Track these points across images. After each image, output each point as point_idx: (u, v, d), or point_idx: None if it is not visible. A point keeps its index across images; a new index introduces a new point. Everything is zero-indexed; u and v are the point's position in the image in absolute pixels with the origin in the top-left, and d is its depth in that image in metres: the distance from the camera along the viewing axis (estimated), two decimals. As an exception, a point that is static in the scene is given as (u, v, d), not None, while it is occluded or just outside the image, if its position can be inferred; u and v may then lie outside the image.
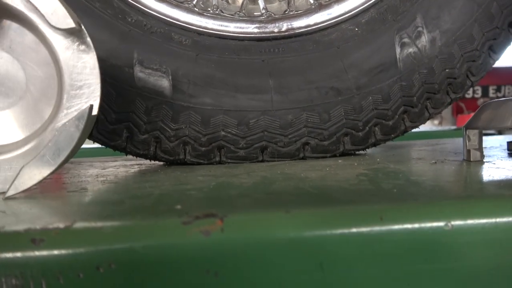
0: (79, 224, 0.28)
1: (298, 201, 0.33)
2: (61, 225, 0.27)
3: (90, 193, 0.43)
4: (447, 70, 0.69)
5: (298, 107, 0.65)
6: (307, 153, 0.69)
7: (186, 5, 0.70)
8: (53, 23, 0.43)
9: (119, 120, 0.64)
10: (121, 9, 0.65)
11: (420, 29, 0.68)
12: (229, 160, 0.68)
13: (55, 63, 0.45)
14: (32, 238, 0.26)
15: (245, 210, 0.30)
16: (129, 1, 0.65)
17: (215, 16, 0.69)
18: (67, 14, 0.43)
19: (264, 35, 0.68)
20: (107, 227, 0.28)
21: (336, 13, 0.69)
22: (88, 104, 0.44)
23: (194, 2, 0.72)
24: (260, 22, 0.70)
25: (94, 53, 0.45)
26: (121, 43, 0.63)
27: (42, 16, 0.43)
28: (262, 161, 0.68)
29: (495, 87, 2.94)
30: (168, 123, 0.64)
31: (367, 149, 0.73)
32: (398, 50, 0.67)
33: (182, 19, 0.67)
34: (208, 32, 0.67)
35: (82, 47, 0.44)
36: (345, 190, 0.37)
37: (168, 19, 0.67)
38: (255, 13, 0.74)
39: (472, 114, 0.59)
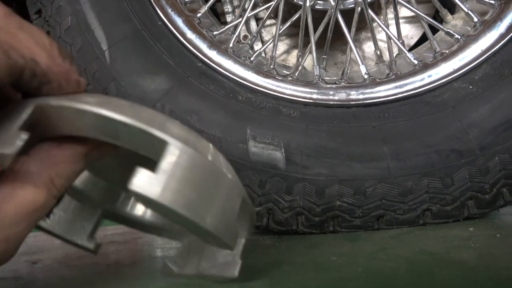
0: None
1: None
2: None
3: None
4: None
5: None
6: (428, 219, 0.65)
7: (289, 78, 0.73)
8: None
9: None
10: (232, 88, 0.69)
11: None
12: (343, 229, 0.66)
13: None
14: None
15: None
16: (239, 81, 0.69)
17: (318, 86, 0.70)
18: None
19: (370, 100, 0.68)
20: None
21: (444, 72, 0.68)
22: None
23: (297, 74, 0.75)
24: (364, 87, 0.70)
25: None
26: (235, 120, 0.66)
27: None
28: (378, 229, 0.65)
29: None
30: (282, 195, 0.64)
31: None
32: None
33: (287, 92, 0.69)
34: (314, 102, 0.68)
35: None
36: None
37: (275, 93, 0.69)
38: (356, 80, 0.74)
39: None
